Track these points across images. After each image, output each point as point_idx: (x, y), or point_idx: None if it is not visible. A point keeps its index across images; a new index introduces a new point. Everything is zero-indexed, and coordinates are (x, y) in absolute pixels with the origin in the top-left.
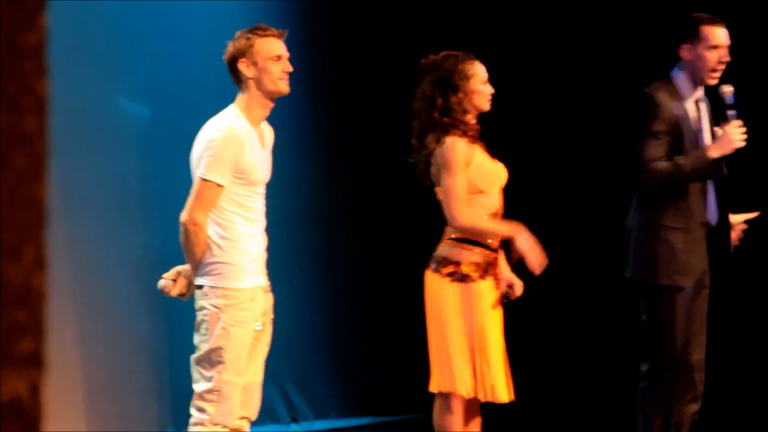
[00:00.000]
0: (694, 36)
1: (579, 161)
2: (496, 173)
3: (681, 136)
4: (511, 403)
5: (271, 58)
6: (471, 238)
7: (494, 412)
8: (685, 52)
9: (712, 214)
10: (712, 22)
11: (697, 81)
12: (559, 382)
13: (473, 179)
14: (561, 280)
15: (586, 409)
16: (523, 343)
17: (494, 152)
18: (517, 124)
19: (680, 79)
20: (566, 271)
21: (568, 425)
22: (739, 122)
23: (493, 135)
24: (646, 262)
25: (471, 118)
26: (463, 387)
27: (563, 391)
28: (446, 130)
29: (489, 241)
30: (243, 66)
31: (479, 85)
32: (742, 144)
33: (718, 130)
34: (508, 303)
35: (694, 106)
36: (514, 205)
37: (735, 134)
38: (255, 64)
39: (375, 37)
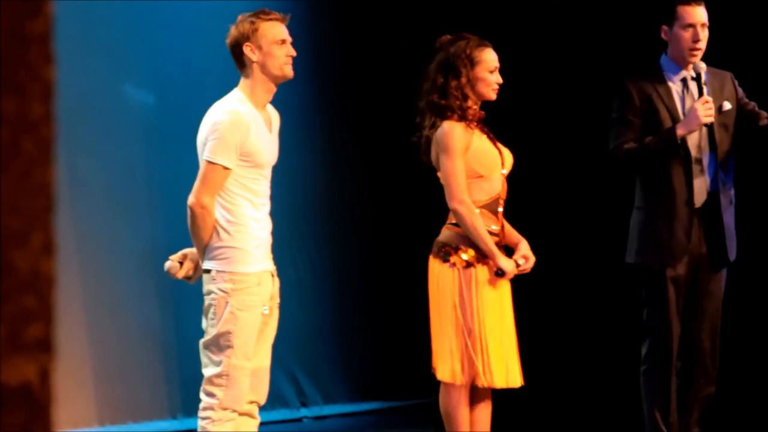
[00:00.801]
0: (670, 16)
1: (581, 149)
2: (496, 158)
3: (657, 119)
4: (521, 389)
5: (276, 42)
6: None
7: (507, 398)
8: (664, 33)
9: (698, 195)
10: (687, 1)
11: (679, 61)
12: (569, 367)
13: (471, 164)
14: (569, 267)
15: (595, 396)
16: (535, 330)
17: (504, 139)
18: (528, 111)
19: (665, 61)
20: (575, 258)
21: (578, 410)
22: (706, 99)
23: (502, 122)
24: (637, 246)
25: (472, 104)
26: (458, 375)
27: (574, 377)
28: (442, 113)
29: (492, 226)
30: (248, 50)
31: (485, 73)
32: (710, 120)
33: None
34: (502, 276)
35: (681, 86)
36: (526, 192)
37: (701, 110)
38: (260, 48)
39: (382, 23)
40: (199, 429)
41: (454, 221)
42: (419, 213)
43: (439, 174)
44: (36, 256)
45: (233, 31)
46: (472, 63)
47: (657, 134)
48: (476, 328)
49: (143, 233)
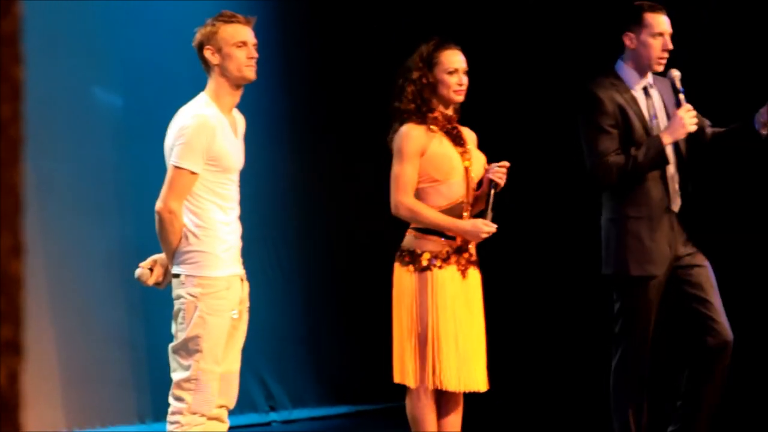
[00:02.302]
0: (637, 23)
1: (559, 157)
2: (454, 163)
3: (630, 127)
4: (495, 393)
5: (235, 43)
6: (428, 228)
7: (481, 402)
8: (629, 40)
9: (674, 200)
10: (655, 9)
11: (642, 69)
12: (543, 372)
13: (426, 168)
14: (543, 277)
15: (568, 401)
16: (510, 334)
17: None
18: (494, 120)
19: (624, 68)
20: (549, 269)
21: (552, 415)
22: (688, 106)
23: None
24: (616, 255)
25: (435, 107)
26: (410, 377)
27: (548, 382)
28: (400, 117)
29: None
30: (208, 53)
31: (443, 75)
32: (694, 128)
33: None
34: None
35: (643, 94)
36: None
37: (686, 118)
38: (219, 50)
39: (352, 25)
40: None
41: (414, 225)
42: (390, 217)
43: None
44: (4, 258)
45: (197, 35)
46: (430, 65)
47: (630, 145)
48: (429, 331)
49: (111, 236)
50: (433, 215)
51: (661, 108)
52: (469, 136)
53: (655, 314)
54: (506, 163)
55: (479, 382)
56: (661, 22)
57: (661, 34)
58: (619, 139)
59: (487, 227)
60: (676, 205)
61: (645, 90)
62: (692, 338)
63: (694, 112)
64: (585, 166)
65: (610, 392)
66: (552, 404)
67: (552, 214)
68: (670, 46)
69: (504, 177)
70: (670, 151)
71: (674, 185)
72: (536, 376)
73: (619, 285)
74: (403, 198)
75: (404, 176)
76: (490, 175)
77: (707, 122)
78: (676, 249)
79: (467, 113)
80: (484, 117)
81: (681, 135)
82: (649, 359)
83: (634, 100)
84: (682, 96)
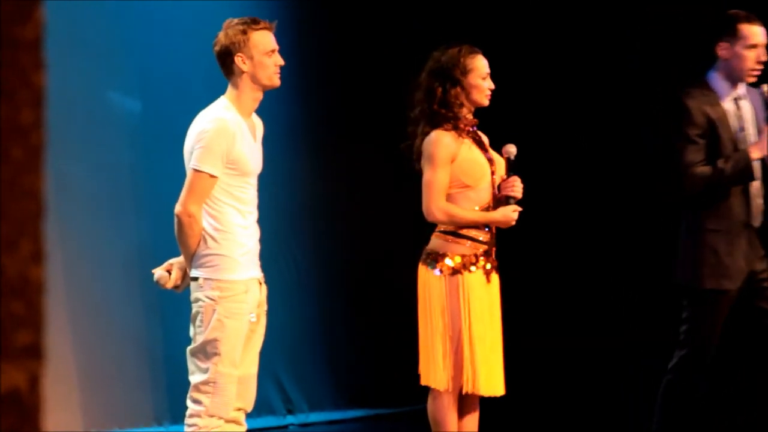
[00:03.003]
0: (731, 34)
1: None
2: (484, 169)
3: (718, 138)
4: (511, 397)
5: (267, 52)
6: (458, 231)
7: (495, 406)
8: (723, 50)
9: (755, 216)
10: (750, 20)
11: (734, 80)
12: (557, 376)
13: (457, 174)
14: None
15: (582, 406)
16: (523, 338)
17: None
18: (507, 121)
19: (716, 79)
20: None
21: (565, 419)
22: None
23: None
24: (691, 266)
25: (466, 112)
26: (444, 381)
27: (561, 386)
28: (438, 122)
29: (477, 234)
30: (239, 60)
31: (478, 80)
32: None
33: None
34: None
35: (734, 105)
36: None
37: None
38: (251, 58)
39: (367, 28)
40: None
41: (442, 228)
42: (408, 219)
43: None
44: (25, 263)
45: (222, 39)
46: (465, 71)
47: (716, 156)
48: (463, 334)
49: (129, 239)
50: (469, 214)
51: (751, 120)
52: (485, 139)
53: (721, 327)
54: (518, 180)
55: (500, 387)
56: (756, 34)
57: (755, 46)
58: (705, 150)
59: (514, 212)
60: (757, 220)
61: (735, 101)
62: (760, 353)
63: None
64: (668, 175)
65: (658, 395)
66: (566, 407)
67: (562, 219)
68: (764, 58)
69: (518, 189)
70: (756, 166)
71: (757, 201)
72: (552, 379)
73: (690, 295)
74: (438, 203)
75: (438, 182)
76: (506, 192)
77: None
78: (753, 264)
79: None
80: (498, 119)
81: None
82: (705, 371)
83: (723, 111)
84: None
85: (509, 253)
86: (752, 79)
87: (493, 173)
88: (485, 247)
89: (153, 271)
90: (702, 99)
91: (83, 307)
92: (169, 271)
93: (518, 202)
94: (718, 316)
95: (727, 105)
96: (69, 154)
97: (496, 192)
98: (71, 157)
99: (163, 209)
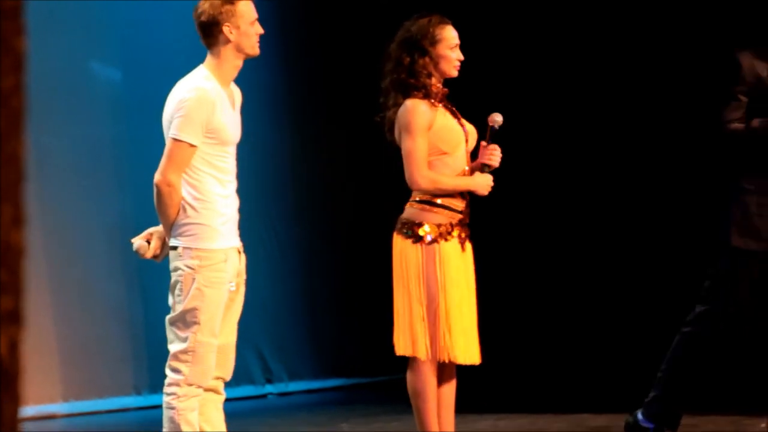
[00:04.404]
0: None
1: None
2: (459, 135)
3: (766, 97)
4: (489, 365)
5: (251, 21)
6: (434, 200)
7: (472, 375)
8: None
9: None
10: None
11: None
12: (533, 344)
13: (435, 142)
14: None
15: (559, 372)
16: (499, 306)
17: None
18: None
19: None
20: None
21: (544, 386)
22: None
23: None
24: (723, 223)
25: (435, 82)
26: (421, 350)
27: (539, 354)
28: (408, 91)
29: (453, 203)
30: (226, 30)
31: (447, 51)
32: None
33: None
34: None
35: None
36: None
37: None
38: (238, 27)
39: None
40: (164, 405)
41: (417, 198)
42: (387, 190)
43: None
44: (6, 228)
45: (209, 9)
46: (434, 41)
47: (764, 116)
48: (440, 303)
49: (110, 209)
50: (452, 181)
51: None
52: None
53: (755, 293)
54: (498, 148)
55: (476, 356)
56: None
57: None
58: (748, 109)
59: (490, 181)
60: None
61: None
62: None
63: None
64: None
65: (672, 346)
66: (545, 374)
67: (538, 191)
68: None
69: (497, 158)
70: None
71: None
72: (529, 347)
73: (721, 251)
74: (422, 171)
75: (418, 151)
76: (484, 159)
77: None
78: None
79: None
80: (475, 93)
81: None
82: (728, 332)
83: None
84: None
85: (481, 222)
86: None
87: (467, 140)
88: (460, 216)
89: (132, 240)
90: (757, 56)
91: (64, 278)
92: (148, 241)
93: (494, 172)
94: (744, 276)
95: None
96: (50, 125)
97: (471, 160)
98: (52, 129)
99: (144, 181)
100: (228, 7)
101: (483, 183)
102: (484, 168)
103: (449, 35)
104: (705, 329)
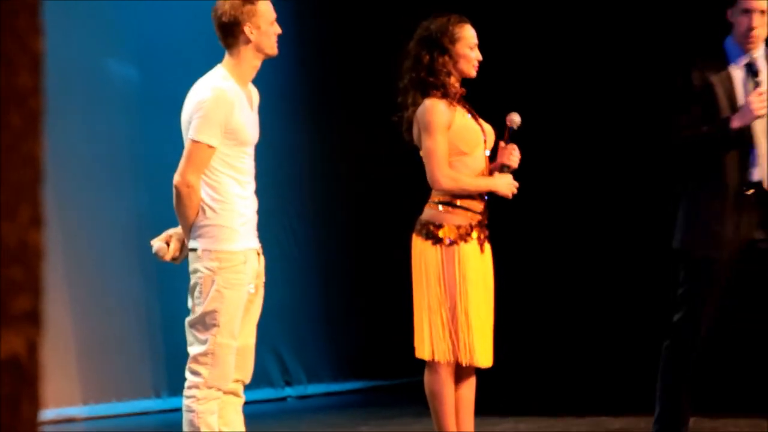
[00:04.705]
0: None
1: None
2: (478, 135)
3: (716, 104)
4: (511, 367)
5: (271, 22)
6: (453, 202)
7: (491, 377)
8: (728, 16)
9: (751, 181)
10: None
11: (741, 46)
12: (554, 347)
13: (454, 141)
14: (557, 252)
15: (580, 375)
16: (520, 309)
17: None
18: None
19: (730, 44)
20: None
21: (564, 389)
22: (760, 91)
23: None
24: (681, 232)
25: (454, 81)
26: (441, 353)
27: (559, 356)
28: (427, 90)
29: (473, 204)
30: (248, 30)
31: (466, 50)
32: (763, 113)
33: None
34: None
35: (743, 71)
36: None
37: (755, 103)
38: (258, 28)
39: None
40: (184, 407)
41: (436, 199)
42: (406, 191)
43: (421, 153)
44: (24, 229)
45: (228, 9)
46: (453, 39)
47: (714, 122)
48: (459, 306)
49: (127, 209)
50: (474, 181)
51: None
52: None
53: (719, 297)
54: (516, 149)
55: (489, 358)
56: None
57: (747, 11)
58: (698, 114)
59: (512, 181)
60: (752, 188)
61: (748, 67)
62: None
63: (765, 96)
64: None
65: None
66: (565, 377)
67: (554, 192)
68: (755, 25)
69: (516, 159)
70: (765, 129)
71: (756, 168)
72: (549, 350)
73: (681, 261)
74: (444, 170)
75: (439, 150)
76: (502, 160)
77: None
78: (751, 233)
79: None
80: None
81: (749, 120)
82: (702, 341)
83: (729, 78)
84: (758, 78)
85: (501, 223)
86: (750, 46)
87: (485, 141)
88: (479, 217)
89: (151, 242)
90: (706, 64)
91: (81, 278)
92: (167, 243)
93: (514, 173)
94: (709, 284)
95: (736, 71)
96: (67, 122)
97: (490, 161)
98: (69, 126)
99: (161, 179)
100: (249, 7)
101: (504, 183)
102: (503, 168)
103: (468, 34)
104: (679, 338)
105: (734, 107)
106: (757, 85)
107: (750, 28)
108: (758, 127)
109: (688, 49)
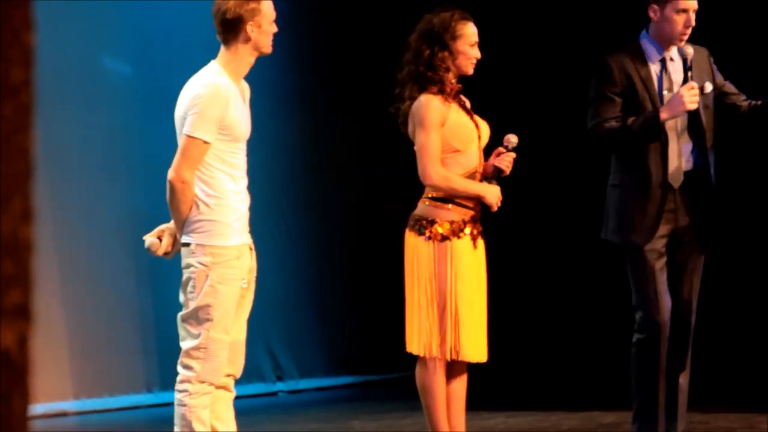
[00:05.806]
0: None
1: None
2: (472, 132)
3: (637, 98)
4: (504, 362)
5: (272, 21)
6: (446, 197)
7: (483, 372)
8: (653, 13)
9: (674, 176)
10: None
11: (663, 42)
12: (545, 341)
13: (448, 138)
14: (546, 243)
15: (569, 370)
16: (512, 304)
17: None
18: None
19: (646, 40)
20: (550, 233)
21: (556, 383)
22: (691, 84)
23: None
24: (612, 224)
25: (452, 77)
26: (431, 348)
27: (550, 351)
28: (425, 84)
29: (465, 200)
30: (249, 28)
31: (466, 47)
32: (694, 107)
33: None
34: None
35: (660, 67)
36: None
37: (686, 96)
38: (259, 26)
39: None
40: (176, 402)
41: (430, 195)
42: (399, 185)
43: (414, 148)
44: (15, 222)
45: (233, 6)
46: (455, 36)
47: (636, 115)
48: (449, 301)
49: (120, 203)
50: (465, 182)
51: (680, 82)
52: (468, 105)
53: (662, 281)
54: (513, 155)
55: (483, 354)
56: None
57: (685, 11)
58: (622, 108)
59: (499, 193)
60: (677, 181)
61: (664, 63)
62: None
63: (697, 91)
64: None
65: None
66: (557, 371)
67: (546, 188)
68: (693, 23)
69: (510, 165)
70: (675, 126)
71: (679, 161)
72: (540, 345)
73: (619, 251)
74: (435, 167)
75: (432, 146)
76: (497, 163)
77: (742, 97)
78: (677, 224)
79: (478, 85)
80: (486, 89)
81: (679, 113)
82: (665, 327)
83: (648, 73)
84: (690, 73)
85: (493, 219)
86: (680, 43)
87: (479, 137)
88: (472, 213)
89: (144, 237)
90: (625, 58)
91: (74, 272)
92: (160, 238)
93: (503, 178)
94: (643, 266)
95: (654, 67)
96: (61, 117)
97: (485, 162)
98: (64, 121)
99: (154, 174)
100: (254, 5)
101: (493, 193)
102: (495, 173)
103: (470, 32)
104: (642, 328)
105: (654, 102)
106: (687, 78)
107: (688, 26)
108: (669, 123)
109: (605, 43)
